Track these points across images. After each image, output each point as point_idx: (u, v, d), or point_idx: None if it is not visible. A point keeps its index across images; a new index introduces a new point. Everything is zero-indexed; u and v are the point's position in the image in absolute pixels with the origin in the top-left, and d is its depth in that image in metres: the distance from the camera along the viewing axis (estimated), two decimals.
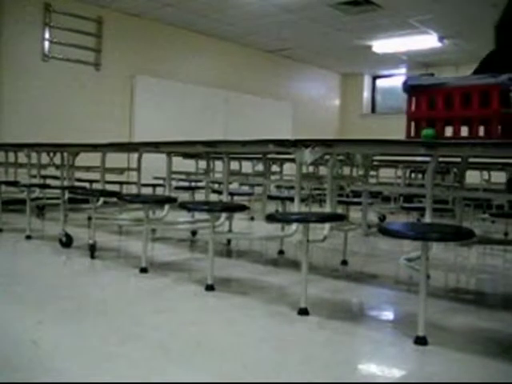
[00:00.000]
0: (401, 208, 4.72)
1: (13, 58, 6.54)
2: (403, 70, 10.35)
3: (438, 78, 2.67)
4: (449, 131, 2.53)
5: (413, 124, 2.63)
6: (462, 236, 2.31)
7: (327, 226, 2.66)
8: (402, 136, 2.68)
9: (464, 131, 2.50)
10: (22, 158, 4.91)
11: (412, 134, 2.62)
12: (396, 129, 3.75)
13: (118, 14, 7.49)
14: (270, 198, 4.27)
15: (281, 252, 3.97)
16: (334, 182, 2.72)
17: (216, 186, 5.16)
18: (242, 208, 3.00)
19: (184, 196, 5.21)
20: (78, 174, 4.92)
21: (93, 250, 3.48)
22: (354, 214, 4.37)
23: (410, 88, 2.62)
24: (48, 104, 6.81)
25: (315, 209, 5.52)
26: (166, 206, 3.53)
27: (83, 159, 4.43)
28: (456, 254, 4.24)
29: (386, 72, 10.85)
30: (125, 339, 1.98)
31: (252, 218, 6.01)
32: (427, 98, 2.58)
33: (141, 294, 2.71)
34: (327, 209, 2.70)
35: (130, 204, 4.05)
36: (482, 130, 2.45)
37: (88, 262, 3.40)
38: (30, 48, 6.71)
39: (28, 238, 4.16)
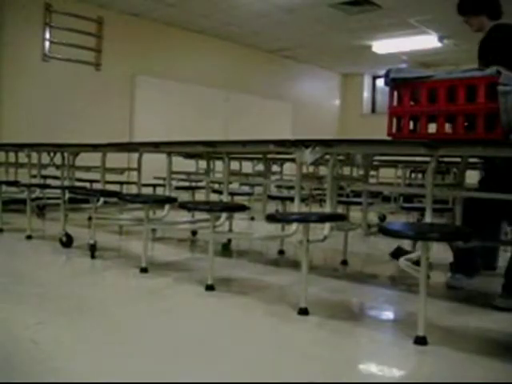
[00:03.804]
0: (401, 208, 4.71)
1: (13, 58, 6.55)
2: None
3: (421, 70, 2.57)
4: (432, 128, 2.47)
5: (394, 120, 2.57)
6: (462, 236, 2.31)
7: (327, 225, 2.66)
8: None
9: (448, 128, 2.44)
10: (22, 157, 4.91)
11: (393, 130, 2.56)
12: None
13: (118, 14, 7.49)
14: (270, 197, 4.27)
15: (281, 252, 3.97)
16: (334, 182, 2.72)
17: (216, 185, 5.16)
18: (242, 208, 3.00)
19: (184, 196, 5.21)
20: (79, 174, 4.92)
21: (93, 250, 3.48)
22: (354, 214, 4.37)
23: (391, 81, 2.51)
24: (48, 104, 6.81)
25: (315, 209, 5.52)
26: (166, 206, 3.53)
27: (83, 159, 4.44)
28: None
29: None
30: (125, 339, 1.98)
31: (252, 218, 6.01)
32: (410, 92, 2.48)
33: (141, 294, 2.71)
34: (327, 209, 2.70)
35: (130, 204, 4.05)
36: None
37: (88, 262, 3.40)
38: (30, 48, 6.71)
39: (28, 237, 4.16)
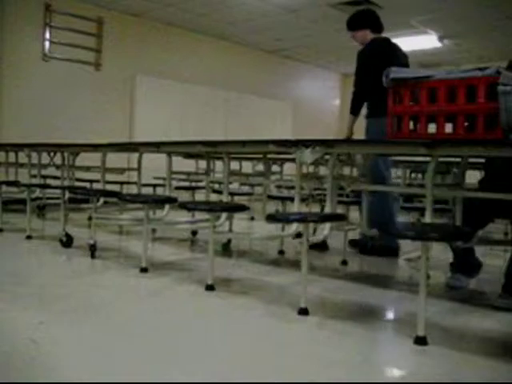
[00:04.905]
0: (401, 208, 4.72)
1: (13, 58, 6.55)
2: None
3: (421, 70, 2.60)
4: (432, 128, 2.48)
5: (395, 120, 2.55)
6: (462, 236, 2.31)
7: (327, 225, 2.66)
8: None
9: (448, 128, 2.45)
10: (22, 157, 4.91)
11: (394, 130, 2.57)
12: None
13: (118, 14, 7.49)
14: (270, 197, 4.27)
15: (281, 252, 3.97)
16: (334, 182, 2.72)
17: (216, 185, 5.16)
18: (242, 208, 3.00)
19: (184, 196, 5.21)
20: (79, 174, 4.92)
21: (93, 250, 3.48)
22: (354, 214, 4.37)
23: (391, 81, 2.53)
24: (48, 104, 6.81)
25: (315, 209, 5.51)
26: (166, 206, 3.53)
27: (83, 159, 4.44)
28: None
29: None
30: (125, 339, 1.99)
31: (252, 218, 6.01)
32: (410, 92, 2.48)
33: (141, 294, 2.71)
34: (327, 209, 2.70)
35: (130, 204, 4.05)
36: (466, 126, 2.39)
37: (88, 262, 3.40)
38: (30, 48, 6.71)
39: (28, 237, 4.16)
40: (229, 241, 4.11)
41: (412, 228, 2.18)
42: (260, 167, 5.05)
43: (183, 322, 2.25)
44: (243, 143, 2.96)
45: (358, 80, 4.01)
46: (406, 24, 7.52)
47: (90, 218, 4.34)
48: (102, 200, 3.81)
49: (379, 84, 3.76)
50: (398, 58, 3.93)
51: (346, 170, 4.60)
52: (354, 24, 4.11)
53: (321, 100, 11.12)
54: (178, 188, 5.05)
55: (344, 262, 3.61)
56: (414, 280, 3.14)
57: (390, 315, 2.61)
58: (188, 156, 4.90)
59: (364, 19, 4.09)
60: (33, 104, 6.68)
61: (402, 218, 5.15)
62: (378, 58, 3.78)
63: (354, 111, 4.11)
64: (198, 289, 2.75)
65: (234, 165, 4.90)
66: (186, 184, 5.60)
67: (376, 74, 3.60)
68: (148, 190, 5.13)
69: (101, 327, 2.11)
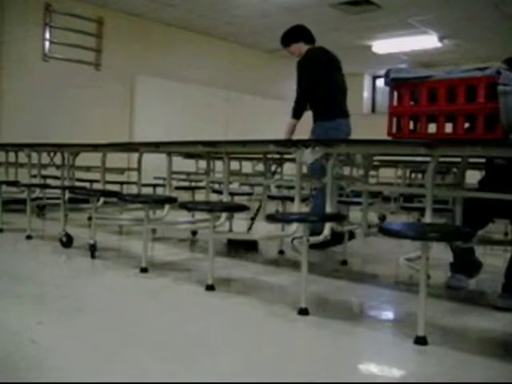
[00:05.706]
0: (401, 208, 4.72)
1: (13, 58, 6.54)
2: None
3: (421, 70, 2.60)
4: (432, 128, 2.48)
5: (394, 120, 2.57)
6: (462, 236, 2.31)
7: (327, 225, 2.66)
8: None
9: (448, 128, 2.45)
10: (22, 157, 4.91)
11: (394, 130, 2.57)
12: None
13: (118, 14, 7.49)
14: (270, 197, 4.27)
15: (281, 252, 3.97)
16: (334, 182, 2.72)
17: (216, 185, 5.16)
18: (242, 208, 3.00)
19: (184, 196, 5.21)
20: (79, 174, 4.92)
21: (93, 250, 3.48)
22: (354, 214, 4.37)
23: (391, 81, 2.53)
24: (48, 104, 6.81)
25: None
26: (166, 206, 3.53)
27: (83, 159, 4.44)
28: None
29: None
30: (125, 339, 1.99)
31: (252, 218, 6.00)
32: (410, 91, 2.50)
33: (141, 294, 2.71)
34: (327, 209, 2.70)
35: (130, 204, 4.05)
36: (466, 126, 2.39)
37: (88, 262, 3.40)
38: (30, 48, 6.71)
39: (28, 237, 4.16)
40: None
41: (412, 228, 2.18)
42: (260, 167, 5.04)
43: (183, 322, 2.24)
44: (243, 143, 2.96)
45: (300, 87, 4.21)
46: (406, 24, 7.52)
47: (89, 218, 4.33)
48: (102, 200, 3.81)
49: (320, 90, 4.17)
50: (334, 63, 4.39)
51: (346, 170, 4.60)
52: (287, 39, 4.36)
53: None
54: (178, 188, 5.04)
55: (344, 262, 3.61)
56: (414, 280, 3.14)
57: (390, 315, 2.60)
58: (188, 156, 4.90)
59: (296, 33, 4.33)
60: (33, 104, 6.68)
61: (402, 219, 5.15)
62: (317, 64, 4.16)
63: (297, 115, 4.29)
64: (198, 289, 2.75)
65: (234, 165, 4.90)
66: (186, 184, 5.59)
67: (317, 80, 4.15)
68: (148, 190, 5.13)
69: (101, 327, 2.11)
